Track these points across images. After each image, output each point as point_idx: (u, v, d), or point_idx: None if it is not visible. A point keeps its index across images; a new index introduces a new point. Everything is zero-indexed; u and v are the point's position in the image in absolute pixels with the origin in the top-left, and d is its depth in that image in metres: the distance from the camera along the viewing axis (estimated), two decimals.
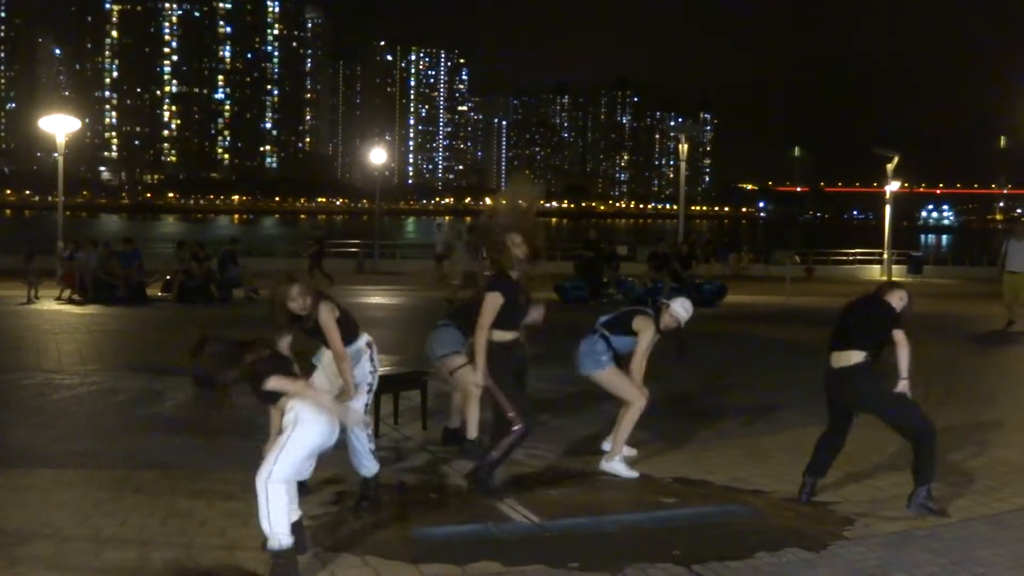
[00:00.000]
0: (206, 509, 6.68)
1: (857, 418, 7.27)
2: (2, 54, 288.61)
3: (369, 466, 6.77)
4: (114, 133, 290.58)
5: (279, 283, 6.60)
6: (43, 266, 23.62)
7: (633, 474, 7.78)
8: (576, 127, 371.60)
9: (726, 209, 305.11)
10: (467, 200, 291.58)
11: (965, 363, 14.63)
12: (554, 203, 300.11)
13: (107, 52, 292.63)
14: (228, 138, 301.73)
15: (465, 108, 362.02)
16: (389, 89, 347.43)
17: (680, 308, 7.97)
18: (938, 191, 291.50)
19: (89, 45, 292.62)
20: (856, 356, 6.91)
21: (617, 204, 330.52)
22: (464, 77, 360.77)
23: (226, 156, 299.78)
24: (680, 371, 11.88)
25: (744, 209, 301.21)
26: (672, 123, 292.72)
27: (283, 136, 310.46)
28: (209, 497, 6.94)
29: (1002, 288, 18.80)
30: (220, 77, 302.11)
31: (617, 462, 7.84)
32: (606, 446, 7.99)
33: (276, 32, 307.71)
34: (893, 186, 38.73)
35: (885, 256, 38.37)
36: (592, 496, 7.25)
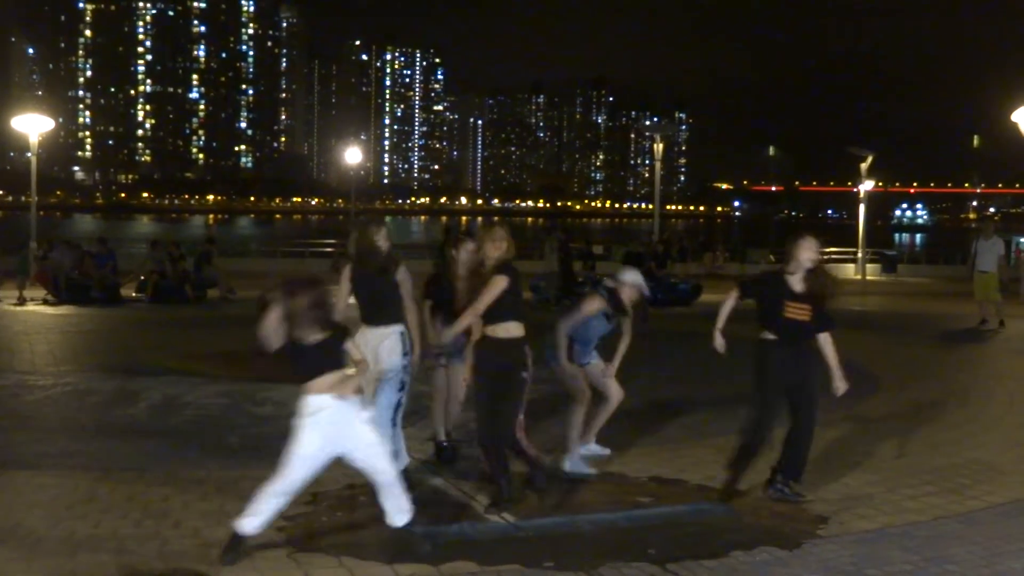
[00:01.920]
0: (180, 510, 6.65)
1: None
2: None
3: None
4: (88, 133, 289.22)
5: (366, 227, 6.73)
6: (5, 266, 23.50)
7: (591, 471, 7.79)
8: (552, 127, 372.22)
9: (701, 208, 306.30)
10: (443, 200, 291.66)
11: (938, 362, 14.72)
12: (529, 203, 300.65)
13: (81, 51, 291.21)
14: (203, 138, 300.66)
15: (440, 108, 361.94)
16: (364, 88, 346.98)
17: (632, 276, 8.06)
18: (912, 190, 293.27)
19: (62, 44, 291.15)
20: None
21: (593, 204, 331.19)
22: (439, 76, 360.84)
23: (201, 156, 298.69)
24: (654, 370, 11.92)
25: (719, 208, 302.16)
26: (647, 122, 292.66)
27: (258, 136, 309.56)
28: (183, 498, 6.91)
29: (973, 287, 18.95)
30: (194, 76, 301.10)
31: (577, 460, 7.85)
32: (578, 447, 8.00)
33: (251, 31, 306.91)
34: (867, 185, 38.99)
35: (859, 255, 38.56)
36: (567, 496, 7.25)
